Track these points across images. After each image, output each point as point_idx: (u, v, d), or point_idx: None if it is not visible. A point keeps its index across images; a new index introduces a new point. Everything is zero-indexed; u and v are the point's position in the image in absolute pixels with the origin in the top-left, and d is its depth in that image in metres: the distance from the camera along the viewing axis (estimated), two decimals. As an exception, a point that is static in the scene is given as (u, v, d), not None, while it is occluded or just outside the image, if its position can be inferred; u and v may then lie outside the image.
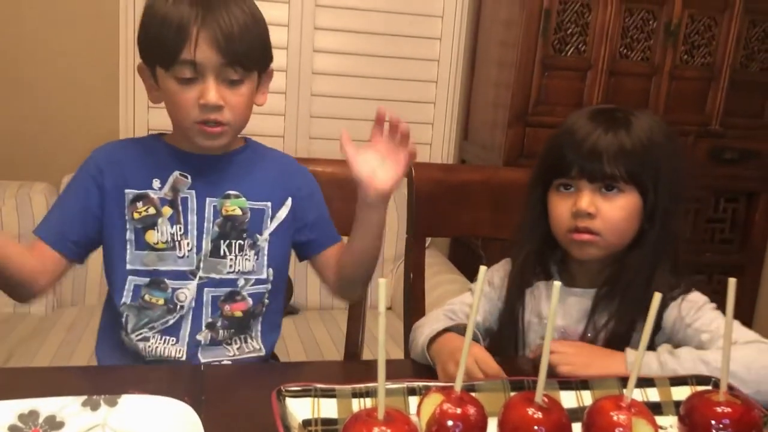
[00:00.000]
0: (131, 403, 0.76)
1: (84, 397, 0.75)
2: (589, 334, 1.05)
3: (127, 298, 1.09)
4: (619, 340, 1.01)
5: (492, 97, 2.46)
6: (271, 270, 1.15)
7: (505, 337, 1.12)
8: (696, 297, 1.03)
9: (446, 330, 0.99)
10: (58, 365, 1.69)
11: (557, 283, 0.68)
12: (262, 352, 1.16)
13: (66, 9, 2.37)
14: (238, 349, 1.13)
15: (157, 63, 1.03)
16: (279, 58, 2.52)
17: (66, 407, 0.74)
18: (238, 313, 1.13)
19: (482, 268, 0.71)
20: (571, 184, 1.05)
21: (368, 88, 2.63)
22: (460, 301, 1.13)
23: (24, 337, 1.97)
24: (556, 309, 0.68)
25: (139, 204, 1.08)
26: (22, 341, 1.94)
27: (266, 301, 1.16)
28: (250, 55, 1.03)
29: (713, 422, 0.71)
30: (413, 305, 1.42)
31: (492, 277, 1.16)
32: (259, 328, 1.17)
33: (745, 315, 2.61)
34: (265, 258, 1.15)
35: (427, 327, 1.03)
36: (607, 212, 1.02)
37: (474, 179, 1.46)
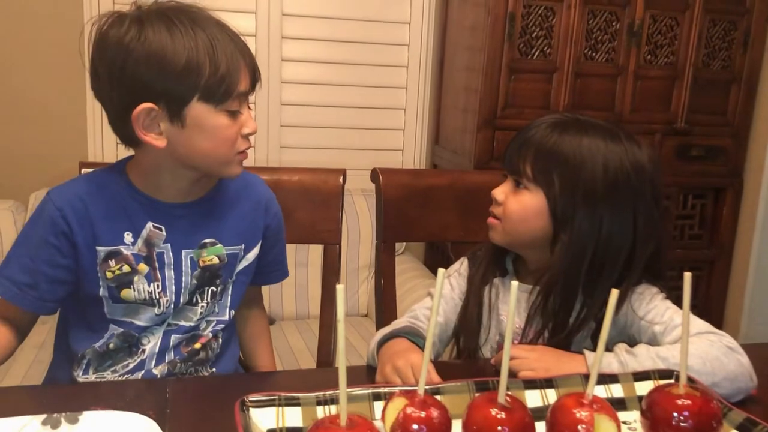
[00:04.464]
0: (93, 419, 0.75)
1: (44, 416, 0.74)
2: (530, 330, 1.07)
3: (97, 343, 1.05)
4: (560, 340, 1.03)
5: (461, 102, 2.48)
6: (233, 311, 1.13)
7: (465, 333, 1.13)
8: (644, 288, 1.04)
9: (397, 335, 1.01)
10: (27, 385, 1.66)
11: (515, 283, 0.68)
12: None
13: (30, 29, 2.34)
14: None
15: (204, 99, 0.94)
16: (247, 69, 2.51)
17: (25, 427, 0.73)
18: (198, 345, 1.10)
19: (441, 271, 0.71)
20: (506, 175, 1.09)
21: (338, 95, 2.64)
22: (421, 306, 1.14)
23: (-7, 357, 1.94)
24: (514, 310, 0.68)
25: (112, 262, 1.01)
26: (-8, 362, 1.91)
27: (220, 335, 1.13)
28: None
29: (674, 415, 0.72)
30: (385, 311, 1.42)
31: (450, 278, 1.18)
32: (212, 357, 1.14)
33: (716, 309, 2.65)
34: (229, 299, 1.12)
35: (381, 333, 1.04)
36: (509, 204, 1.06)
37: (441, 183, 1.47)
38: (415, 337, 1.01)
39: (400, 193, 1.42)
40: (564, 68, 2.31)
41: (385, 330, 1.04)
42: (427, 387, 0.72)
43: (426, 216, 1.45)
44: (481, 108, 2.28)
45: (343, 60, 2.61)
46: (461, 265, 1.19)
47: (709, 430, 0.72)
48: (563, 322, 1.03)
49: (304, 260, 2.35)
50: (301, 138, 2.64)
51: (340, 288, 0.64)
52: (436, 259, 2.68)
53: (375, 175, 1.42)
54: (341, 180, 1.41)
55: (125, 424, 0.74)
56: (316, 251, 2.34)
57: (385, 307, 1.42)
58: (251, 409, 0.75)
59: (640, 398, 0.82)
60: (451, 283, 1.17)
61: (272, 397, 0.77)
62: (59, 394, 0.92)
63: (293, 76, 2.58)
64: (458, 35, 2.53)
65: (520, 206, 1.04)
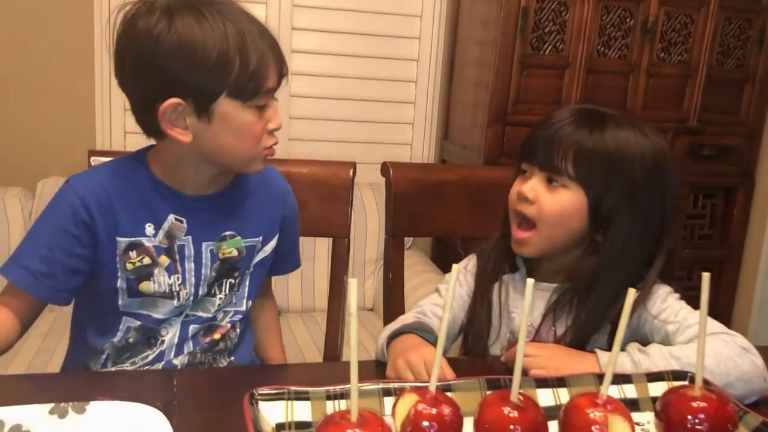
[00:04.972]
0: (100, 409, 0.74)
1: (51, 405, 0.73)
2: (546, 330, 1.06)
3: (115, 338, 1.04)
4: (580, 340, 1.02)
5: (471, 97, 2.46)
6: (250, 302, 1.13)
7: (473, 331, 1.11)
8: (658, 287, 1.03)
9: (406, 331, 1.00)
10: (34, 373, 1.67)
11: (530, 281, 0.67)
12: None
13: (41, 16, 2.33)
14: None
15: (233, 95, 0.93)
16: (257, 60, 2.50)
17: (32, 415, 0.72)
18: (217, 336, 1.10)
19: (455, 267, 0.70)
20: (528, 169, 1.05)
21: (347, 88, 2.62)
22: (429, 302, 1.13)
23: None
24: (529, 308, 0.67)
25: (133, 254, 0.99)
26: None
27: (237, 325, 1.13)
28: None
29: (689, 417, 0.71)
30: (393, 305, 1.41)
31: (458, 274, 1.16)
32: (230, 346, 1.14)
33: (725, 309, 2.63)
34: (246, 290, 1.12)
35: (390, 328, 1.03)
36: (545, 203, 1.01)
37: (452, 178, 1.46)
38: (424, 332, 1.00)
39: (410, 187, 1.41)
40: (576, 64, 2.29)
41: (394, 325, 1.03)
42: (438, 383, 0.71)
43: (436, 211, 1.44)
44: (492, 103, 2.26)
45: (352, 52, 2.60)
46: (470, 262, 1.18)
47: (725, 434, 0.70)
48: (585, 321, 1.02)
49: (311, 253, 2.34)
50: (309, 130, 2.63)
51: (352, 282, 0.63)
52: (442, 255, 2.67)
53: (385, 168, 1.41)
54: (351, 173, 1.39)
55: (132, 415, 0.74)
56: (322, 244, 2.33)
57: (393, 301, 1.41)
58: (260, 403, 0.75)
59: (654, 399, 0.81)
60: (459, 279, 1.16)
61: (281, 391, 0.76)
62: (67, 383, 0.92)
63: (302, 67, 2.57)
64: (470, 29, 2.51)
65: (558, 206, 1.00)
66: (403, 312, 1.35)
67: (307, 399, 0.77)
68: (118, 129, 2.42)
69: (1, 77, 2.34)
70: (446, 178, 1.46)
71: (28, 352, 1.88)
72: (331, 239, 1.43)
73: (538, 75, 2.28)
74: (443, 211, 1.44)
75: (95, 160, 1.24)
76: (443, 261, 2.55)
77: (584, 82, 2.31)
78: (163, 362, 1.06)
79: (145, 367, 1.05)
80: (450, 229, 1.50)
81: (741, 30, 2.42)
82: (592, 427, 0.68)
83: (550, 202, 1.01)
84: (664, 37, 2.36)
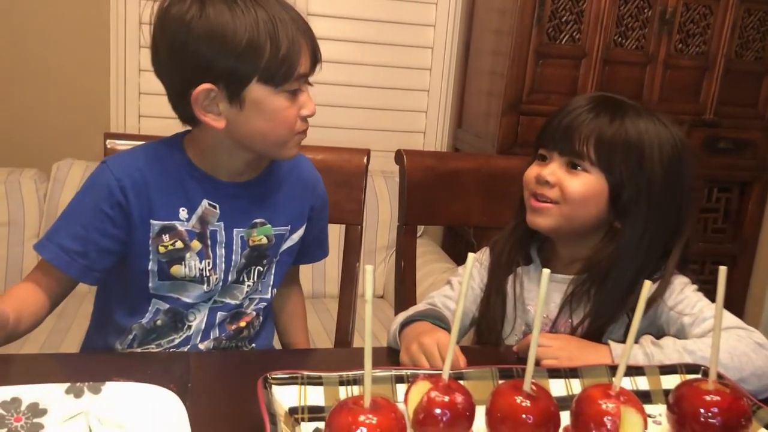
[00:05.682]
0: (115, 390, 0.75)
1: (67, 385, 0.74)
2: (563, 322, 1.05)
3: (144, 319, 1.05)
4: (596, 331, 1.02)
5: (486, 85, 2.45)
6: (275, 290, 1.14)
7: (488, 324, 1.11)
8: (675, 278, 1.03)
9: (418, 318, 1.00)
10: (52, 353, 1.68)
11: (546, 271, 0.67)
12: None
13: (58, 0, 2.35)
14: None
15: (264, 81, 0.94)
16: (272, 45, 2.49)
17: (49, 394, 0.73)
18: (243, 324, 1.11)
19: (471, 256, 0.70)
20: (547, 155, 1.05)
21: (361, 75, 2.61)
22: (440, 294, 1.13)
23: (13, 324, 1.96)
24: (544, 298, 0.67)
25: (166, 237, 1.01)
26: (12, 328, 1.93)
27: (261, 312, 1.14)
28: None
29: (702, 411, 0.71)
30: (404, 293, 1.41)
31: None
32: (253, 334, 1.15)
33: (737, 304, 2.62)
34: (272, 277, 1.13)
35: (402, 316, 1.03)
36: (568, 184, 1.02)
37: (466, 167, 1.45)
38: (436, 320, 1.00)
39: (424, 175, 1.41)
40: (593, 54, 2.27)
41: (407, 313, 1.04)
42: (450, 372, 0.71)
43: (449, 200, 1.44)
44: (507, 92, 2.25)
45: (367, 39, 2.59)
46: (483, 255, 1.17)
47: (738, 428, 0.70)
48: (601, 312, 1.02)
49: (322, 239, 2.34)
50: (321, 116, 2.61)
51: (369, 269, 0.63)
52: (453, 244, 2.66)
53: (399, 156, 1.41)
54: (365, 160, 1.39)
55: (147, 396, 0.74)
56: (332, 231, 2.32)
57: (404, 290, 1.41)
58: (273, 387, 0.75)
59: (666, 392, 0.81)
60: (472, 272, 1.15)
61: (295, 375, 0.77)
62: (83, 363, 0.93)
63: (317, 53, 2.55)
64: (486, 17, 2.49)
65: (582, 187, 1.01)
66: (414, 300, 1.36)
67: (320, 384, 0.77)
68: (133, 112, 2.43)
69: (18, 60, 2.35)
70: (461, 167, 1.46)
71: (41, 333, 1.89)
72: (342, 226, 1.43)
73: (553, 65, 2.26)
74: (457, 200, 1.44)
75: (111, 143, 1.25)
76: (454, 250, 2.54)
77: (600, 73, 2.29)
78: (188, 347, 1.07)
79: (170, 351, 1.06)
80: (463, 219, 1.50)
81: (761, 22, 2.39)
82: (605, 418, 0.69)
83: (573, 183, 1.02)
84: (683, 28, 2.33)
